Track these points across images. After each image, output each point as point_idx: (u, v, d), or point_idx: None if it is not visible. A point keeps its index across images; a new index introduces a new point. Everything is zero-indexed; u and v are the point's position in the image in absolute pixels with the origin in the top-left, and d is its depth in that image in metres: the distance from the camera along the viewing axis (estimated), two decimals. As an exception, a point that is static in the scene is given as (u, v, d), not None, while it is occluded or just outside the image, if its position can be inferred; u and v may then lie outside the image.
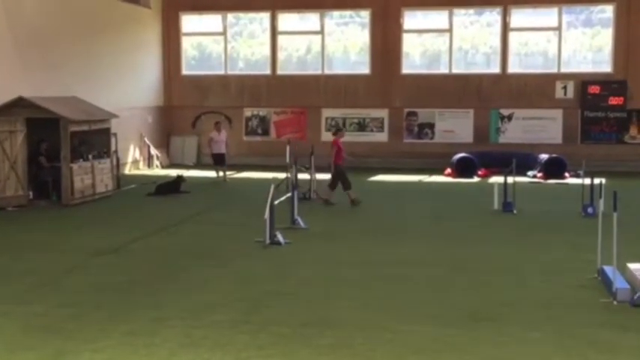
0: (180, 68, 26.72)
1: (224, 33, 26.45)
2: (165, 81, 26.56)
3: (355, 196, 16.28)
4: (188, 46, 27.08)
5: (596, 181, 13.20)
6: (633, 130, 24.01)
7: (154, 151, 25.08)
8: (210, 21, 26.66)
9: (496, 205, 15.70)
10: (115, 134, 18.77)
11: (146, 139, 24.85)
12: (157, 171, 24.10)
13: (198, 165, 25.31)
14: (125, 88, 23.51)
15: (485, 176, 21.62)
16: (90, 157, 17.25)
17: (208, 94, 26.39)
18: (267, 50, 26.21)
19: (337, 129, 17.71)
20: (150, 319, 7.85)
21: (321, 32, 25.76)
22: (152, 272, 10.14)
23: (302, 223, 13.45)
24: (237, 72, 26.59)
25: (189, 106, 26.37)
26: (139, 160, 24.52)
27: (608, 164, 22.49)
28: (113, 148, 18.74)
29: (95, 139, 17.76)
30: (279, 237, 11.98)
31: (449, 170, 22.43)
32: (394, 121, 25.30)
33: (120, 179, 19.53)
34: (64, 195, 16.34)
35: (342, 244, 12.22)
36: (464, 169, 21.98)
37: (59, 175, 16.40)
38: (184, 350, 6.89)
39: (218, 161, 21.21)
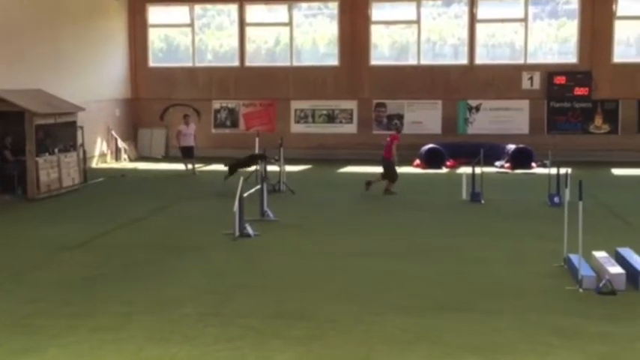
0: (147, 60, 26.44)
1: (191, 25, 26.22)
2: (131, 73, 26.27)
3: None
4: (155, 38, 26.79)
5: (562, 170, 13.37)
6: (598, 120, 24.33)
7: (121, 144, 24.82)
8: (178, 12, 26.37)
9: (464, 196, 15.82)
10: (81, 127, 18.52)
11: (113, 132, 24.57)
12: (125, 164, 23.86)
13: (167, 158, 25.13)
14: (91, 80, 23.19)
15: (454, 167, 21.76)
16: (56, 150, 17.01)
17: (176, 86, 26.16)
18: (235, 42, 26.07)
19: (397, 126, 19.28)
20: (117, 314, 7.78)
21: (290, 24, 25.67)
22: (119, 267, 10.04)
23: (271, 215, 13.43)
24: (205, 64, 26.42)
25: (157, 99, 26.13)
26: (106, 154, 24.24)
27: (573, 154, 22.73)
28: (80, 141, 18.50)
29: (61, 133, 17.50)
30: (249, 229, 11.95)
31: (417, 161, 22.53)
32: (363, 112, 25.34)
33: (87, 173, 19.29)
34: (30, 189, 16.09)
35: (312, 235, 12.22)
36: (432, 160, 22.10)
37: (24, 169, 16.15)
38: (152, 345, 6.84)
39: (187, 154, 21.09)
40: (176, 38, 27.02)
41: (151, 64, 26.50)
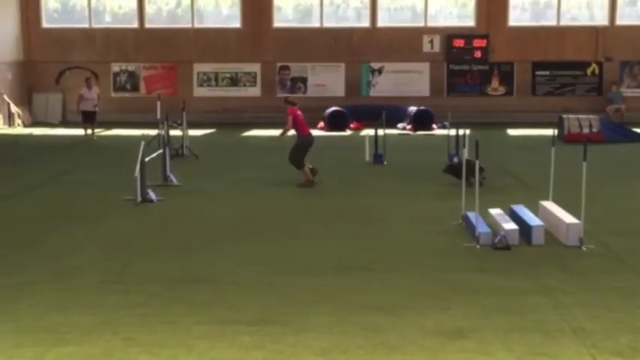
0: (41, 21, 25.34)
1: (87, -16, 25.28)
2: (24, 34, 25.13)
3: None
4: (49, -2, 25.75)
5: (461, 132, 13.73)
6: (495, 83, 25.11)
7: (14, 109, 23.79)
8: (72, -29, 25.38)
9: (367, 157, 16.04)
10: (-30, 91, 17.67)
11: (5, 97, 23.50)
12: (19, 130, 22.93)
13: (64, 123, 24.30)
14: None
15: (357, 129, 21.99)
16: (-57, 116, 16.17)
17: (72, 48, 25.21)
18: (134, 3, 25.28)
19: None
20: (14, 284, 7.52)
21: (191, -15, 25.13)
22: (17, 235, 9.69)
23: (175, 180, 13.24)
24: (103, 25, 25.53)
25: (52, 62, 25.12)
26: (-2, 119, 23.24)
27: (472, 115, 23.38)
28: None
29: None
30: (151, 194, 11.74)
31: (321, 124, 22.64)
32: (267, 75, 25.19)
33: (-22, 139, 18.47)
34: None
35: (215, 200, 12.14)
36: (336, 122, 22.26)
37: None
38: (52, 313, 6.65)
39: (88, 119, 20.42)
40: (72, -1, 26.03)
41: (45, 25, 25.42)
